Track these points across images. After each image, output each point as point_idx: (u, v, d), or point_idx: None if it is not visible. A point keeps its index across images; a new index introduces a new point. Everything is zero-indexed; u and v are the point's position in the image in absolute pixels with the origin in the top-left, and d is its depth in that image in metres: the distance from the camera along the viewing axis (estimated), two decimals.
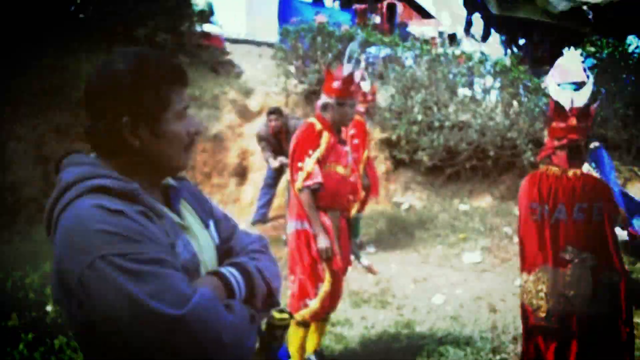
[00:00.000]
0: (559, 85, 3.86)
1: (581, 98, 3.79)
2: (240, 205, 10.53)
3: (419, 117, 10.45)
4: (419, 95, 10.61)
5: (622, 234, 3.99)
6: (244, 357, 1.72)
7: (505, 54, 13.66)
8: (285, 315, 1.92)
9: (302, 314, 4.97)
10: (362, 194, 8.35)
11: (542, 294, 3.76)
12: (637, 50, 11.04)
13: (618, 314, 3.76)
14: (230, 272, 1.84)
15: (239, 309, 1.74)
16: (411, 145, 10.51)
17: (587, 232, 3.73)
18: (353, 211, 8.36)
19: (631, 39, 11.81)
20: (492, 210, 9.85)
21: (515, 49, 14.33)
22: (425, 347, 5.89)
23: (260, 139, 9.48)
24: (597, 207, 3.73)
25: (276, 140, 9.14)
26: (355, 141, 8.28)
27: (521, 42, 14.62)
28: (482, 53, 12.14)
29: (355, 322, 6.42)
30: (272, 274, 1.97)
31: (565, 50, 3.89)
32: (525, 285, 3.86)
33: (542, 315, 3.78)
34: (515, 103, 10.46)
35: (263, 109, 11.07)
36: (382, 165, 10.53)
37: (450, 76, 10.89)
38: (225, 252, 1.98)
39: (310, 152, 4.91)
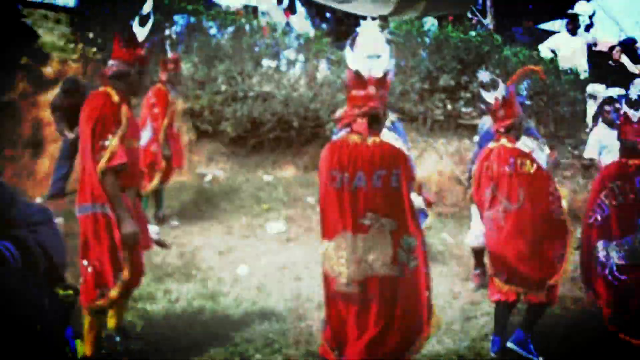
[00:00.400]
0: (365, 55, 3.89)
1: (378, 68, 3.86)
2: (36, 178, 9.93)
3: (223, 88, 10.33)
4: (222, 65, 10.48)
5: (417, 199, 4.13)
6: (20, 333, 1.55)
7: (312, 26, 13.80)
8: (70, 292, 1.76)
9: (100, 303, 4.70)
10: (164, 164, 8.15)
11: (342, 260, 3.81)
12: (432, 28, 11.56)
13: (418, 275, 3.91)
14: (3, 245, 1.65)
15: (14, 285, 1.57)
16: (215, 115, 10.37)
17: (385, 198, 3.81)
18: (155, 182, 8.16)
19: (427, 18, 12.38)
20: (296, 181, 9.97)
21: (321, 23, 14.56)
22: (231, 318, 5.88)
23: (55, 108, 8.97)
24: (395, 174, 3.82)
25: (72, 110, 8.66)
26: (156, 110, 8.05)
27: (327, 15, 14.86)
28: (288, 24, 12.21)
29: (158, 297, 6.29)
30: (55, 248, 1.80)
31: (364, 22, 3.94)
32: (327, 252, 3.90)
33: (343, 281, 3.84)
34: (318, 75, 10.62)
35: (59, 77, 10.48)
36: (185, 136, 10.33)
37: (256, 48, 10.85)
38: (1, 224, 1.77)
39: (114, 129, 4.62)
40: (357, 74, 3.85)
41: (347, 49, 3.91)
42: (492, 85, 5.30)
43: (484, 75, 5.43)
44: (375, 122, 3.92)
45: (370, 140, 3.84)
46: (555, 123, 10.71)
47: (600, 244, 5.16)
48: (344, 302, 3.87)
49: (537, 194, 5.19)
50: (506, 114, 5.27)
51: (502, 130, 5.28)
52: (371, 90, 3.85)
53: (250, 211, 9.04)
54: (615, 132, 6.15)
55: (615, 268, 5.08)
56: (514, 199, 5.14)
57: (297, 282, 6.82)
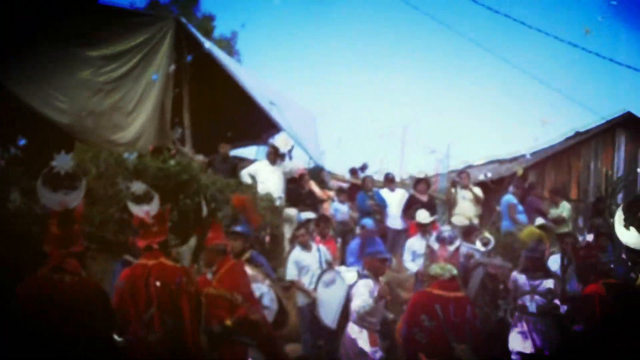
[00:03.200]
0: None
1: (75, 201, 3.78)
2: None
3: None
4: None
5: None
6: None
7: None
8: None
9: None
10: None
11: None
12: (131, 157, 11.42)
13: None
14: None
15: None
16: None
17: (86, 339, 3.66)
18: None
19: None
20: None
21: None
22: None
23: None
24: (89, 313, 3.69)
25: None
26: None
27: None
28: None
29: None
30: None
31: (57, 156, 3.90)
32: None
33: None
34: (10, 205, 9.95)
35: None
36: None
37: None
38: None
39: None
40: (64, 212, 3.72)
41: (40, 186, 3.79)
42: (145, 199, 5.34)
43: (137, 187, 5.48)
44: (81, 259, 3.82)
45: (69, 278, 3.70)
46: (254, 247, 11.03)
47: None
48: None
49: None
50: (160, 230, 5.19)
51: (155, 246, 5.15)
52: (76, 227, 3.75)
53: None
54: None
55: None
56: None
57: None
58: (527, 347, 7.50)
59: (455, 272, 5.92)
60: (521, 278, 7.88)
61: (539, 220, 11.25)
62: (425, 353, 5.48)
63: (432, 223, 11.04)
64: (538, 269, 7.89)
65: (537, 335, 7.50)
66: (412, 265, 10.56)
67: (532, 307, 7.70)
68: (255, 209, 7.12)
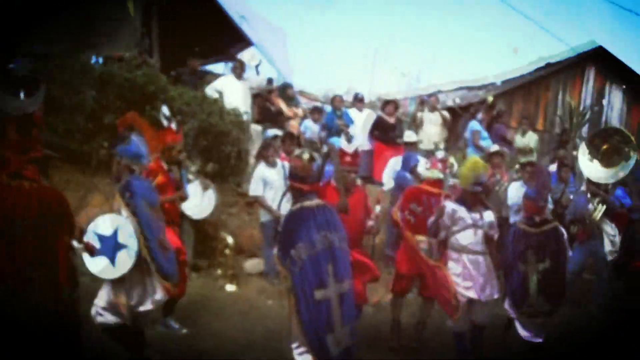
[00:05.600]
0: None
1: (33, 105, 3.67)
2: None
3: None
4: None
5: (79, 246, 3.98)
6: None
7: None
8: None
9: None
10: None
11: None
12: (97, 66, 11.08)
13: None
14: None
15: None
16: None
17: (44, 247, 3.61)
18: None
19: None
20: None
21: None
22: None
23: None
24: (52, 221, 3.63)
25: None
26: None
27: None
28: None
29: None
30: None
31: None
32: None
33: None
34: None
35: None
36: None
37: None
38: None
39: None
40: (22, 116, 3.62)
41: None
42: (169, 119, 7.25)
43: (165, 110, 7.36)
44: (44, 166, 3.76)
45: (28, 184, 3.63)
46: (219, 162, 10.99)
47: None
48: None
49: None
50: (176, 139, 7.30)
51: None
52: (35, 132, 3.67)
53: None
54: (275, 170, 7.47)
55: None
56: None
57: None
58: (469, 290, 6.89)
59: (441, 176, 7.65)
60: (461, 210, 7.06)
61: (495, 147, 11.28)
62: (412, 230, 7.32)
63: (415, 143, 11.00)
64: (479, 201, 7.24)
65: (479, 275, 6.97)
66: (390, 181, 10.52)
67: (475, 244, 7.02)
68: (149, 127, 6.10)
